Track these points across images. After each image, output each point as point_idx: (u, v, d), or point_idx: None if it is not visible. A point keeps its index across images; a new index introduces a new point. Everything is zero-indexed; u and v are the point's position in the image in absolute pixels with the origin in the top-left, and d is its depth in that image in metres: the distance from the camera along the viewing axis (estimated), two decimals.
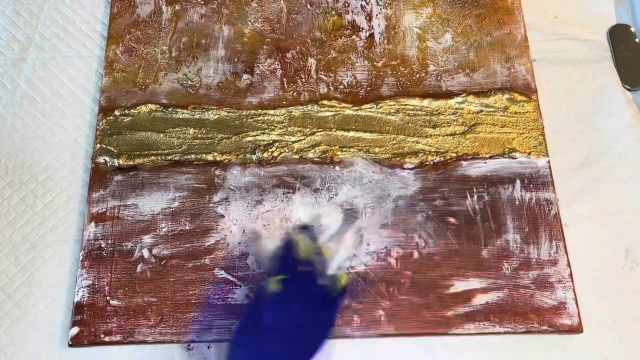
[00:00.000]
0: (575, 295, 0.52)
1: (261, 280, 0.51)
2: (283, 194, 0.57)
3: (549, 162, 0.58)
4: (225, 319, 0.52)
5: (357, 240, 0.54)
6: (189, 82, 0.62)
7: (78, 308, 0.53)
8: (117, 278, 0.54)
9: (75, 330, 0.52)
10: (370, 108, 0.60)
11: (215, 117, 0.60)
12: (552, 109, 0.62)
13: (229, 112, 0.60)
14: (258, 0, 0.66)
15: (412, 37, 0.64)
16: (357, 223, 0.55)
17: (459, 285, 0.53)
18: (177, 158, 0.58)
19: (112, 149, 0.59)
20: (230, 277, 0.54)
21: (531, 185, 0.57)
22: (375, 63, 0.63)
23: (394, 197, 0.57)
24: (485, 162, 0.58)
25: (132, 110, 0.60)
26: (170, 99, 0.61)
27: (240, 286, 0.53)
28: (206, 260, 0.54)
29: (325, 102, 0.60)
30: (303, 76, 0.62)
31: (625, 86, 0.63)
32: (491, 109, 0.60)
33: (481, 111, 0.60)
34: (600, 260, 0.55)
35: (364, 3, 0.66)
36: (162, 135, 0.59)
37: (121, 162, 0.58)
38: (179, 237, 0.55)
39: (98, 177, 0.58)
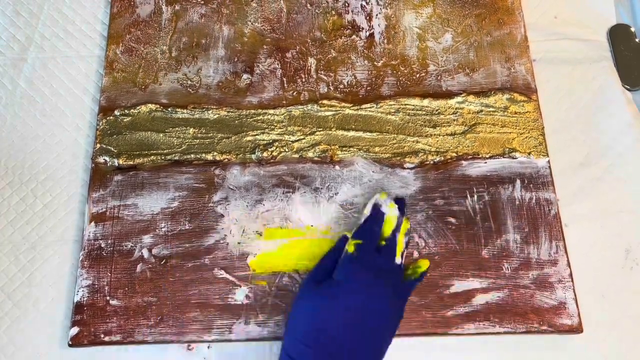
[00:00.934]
0: (575, 295, 0.52)
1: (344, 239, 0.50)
2: (283, 193, 0.57)
3: (549, 162, 0.58)
4: (225, 319, 0.52)
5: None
6: (189, 82, 0.62)
7: (78, 308, 0.53)
8: (117, 278, 0.54)
9: (75, 330, 0.52)
10: (370, 108, 0.60)
11: (215, 116, 0.60)
12: (552, 109, 0.62)
13: (228, 112, 0.60)
14: (258, 0, 0.66)
15: (412, 37, 0.64)
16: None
17: (458, 285, 0.53)
18: (176, 158, 0.58)
19: (112, 149, 0.59)
20: (230, 277, 0.54)
21: (531, 185, 0.57)
22: (375, 63, 0.63)
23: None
24: (486, 162, 0.58)
25: (132, 110, 0.60)
26: (170, 99, 0.61)
27: (240, 286, 0.53)
28: (206, 260, 0.54)
29: (325, 101, 0.60)
30: (303, 76, 0.62)
31: (625, 86, 0.63)
32: (491, 109, 0.60)
33: (481, 111, 0.60)
34: (600, 260, 0.55)
35: (364, 3, 0.66)
36: (162, 135, 0.59)
37: (121, 162, 0.58)
38: (179, 236, 0.55)
39: (98, 177, 0.58)
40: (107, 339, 0.52)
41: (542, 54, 0.64)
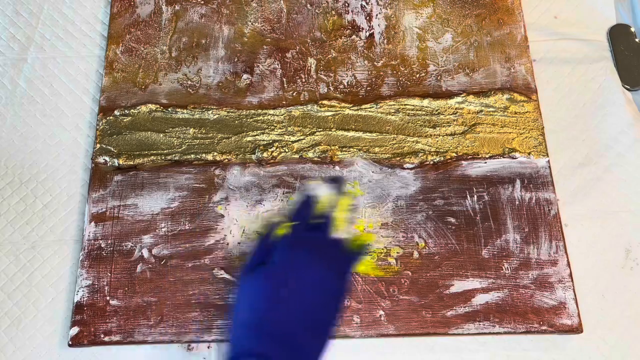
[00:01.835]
0: (575, 295, 0.52)
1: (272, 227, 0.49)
2: (283, 193, 0.57)
3: (548, 162, 0.58)
4: (225, 319, 0.52)
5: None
6: (189, 82, 0.62)
7: (78, 308, 0.53)
8: (117, 278, 0.54)
9: (75, 330, 0.52)
10: (370, 108, 0.60)
11: (215, 117, 0.60)
12: (552, 109, 0.62)
13: (228, 112, 0.60)
14: (258, 0, 0.66)
15: (412, 37, 0.64)
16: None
17: (458, 285, 0.53)
18: (176, 158, 0.58)
19: (112, 149, 0.59)
20: (230, 277, 0.54)
21: (531, 185, 0.57)
22: (375, 63, 0.63)
23: (393, 196, 0.57)
24: (485, 162, 0.58)
25: (132, 110, 0.60)
26: (170, 99, 0.61)
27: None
28: (206, 260, 0.54)
29: (325, 101, 0.60)
30: (303, 76, 0.62)
31: (625, 86, 0.63)
32: (491, 109, 0.60)
33: (481, 111, 0.60)
34: (600, 260, 0.55)
35: (364, 3, 0.66)
36: (162, 135, 0.59)
37: (121, 162, 0.58)
38: (179, 237, 0.55)
39: (98, 177, 0.58)
40: (107, 339, 0.52)
41: (542, 54, 0.64)
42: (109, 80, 0.62)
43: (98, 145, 0.59)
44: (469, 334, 0.52)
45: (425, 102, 0.60)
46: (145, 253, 0.55)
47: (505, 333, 0.52)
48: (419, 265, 0.54)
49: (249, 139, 0.59)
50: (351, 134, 0.59)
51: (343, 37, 0.64)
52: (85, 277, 0.54)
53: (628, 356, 0.52)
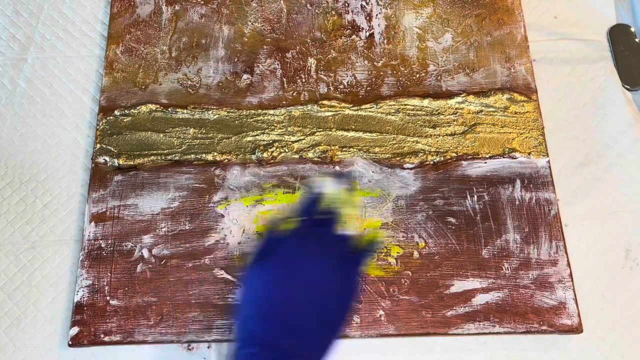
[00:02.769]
0: (575, 295, 0.52)
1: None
2: (283, 193, 0.57)
3: (549, 162, 0.58)
4: (225, 319, 0.52)
5: None
6: (189, 82, 0.62)
7: (78, 308, 0.53)
8: (117, 278, 0.54)
9: (75, 330, 0.52)
10: (370, 108, 0.60)
11: (215, 117, 0.60)
12: (552, 109, 0.62)
13: (228, 112, 0.60)
14: (258, 0, 0.66)
15: (412, 37, 0.64)
16: None
17: (459, 285, 0.53)
18: (177, 158, 0.58)
19: (112, 149, 0.59)
20: (230, 277, 0.54)
21: (531, 185, 0.57)
22: (375, 63, 0.63)
23: (394, 196, 0.57)
24: (485, 162, 0.58)
25: (132, 110, 0.60)
26: (170, 99, 0.61)
27: (241, 286, 0.53)
28: (206, 260, 0.54)
29: (325, 102, 0.60)
30: (303, 76, 0.62)
31: (625, 86, 0.63)
32: (491, 109, 0.60)
33: (481, 111, 0.60)
34: (600, 260, 0.55)
35: (364, 3, 0.66)
36: (162, 135, 0.59)
37: (121, 162, 0.58)
38: (179, 237, 0.55)
39: (98, 177, 0.58)
40: (107, 339, 0.52)
41: (542, 54, 0.64)
42: (109, 80, 0.62)
43: (98, 145, 0.59)
44: (469, 334, 0.52)
45: (426, 102, 0.60)
46: (145, 253, 0.55)
47: (505, 333, 0.52)
48: (419, 265, 0.54)
49: (249, 139, 0.59)
50: (351, 134, 0.59)
51: (343, 37, 0.64)
52: (85, 277, 0.54)
53: (628, 356, 0.52)
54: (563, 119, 0.61)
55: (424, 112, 0.60)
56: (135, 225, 0.56)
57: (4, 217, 0.58)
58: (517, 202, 0.56)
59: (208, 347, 0.53)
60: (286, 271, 0.43)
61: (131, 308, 0.53)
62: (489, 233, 0.55)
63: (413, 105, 0.60)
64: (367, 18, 0.65)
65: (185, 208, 0.56)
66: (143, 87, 0.62)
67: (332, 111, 0.60)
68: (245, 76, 0.62)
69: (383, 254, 0.54)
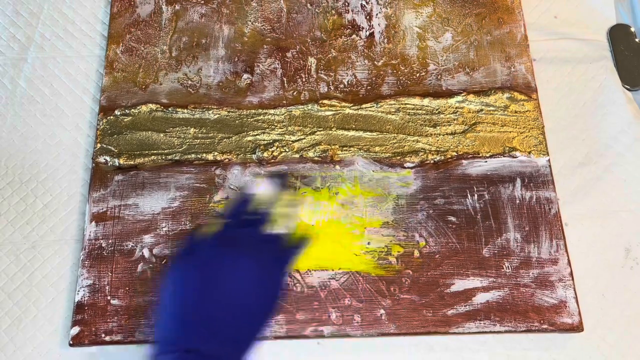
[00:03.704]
0: (575, 294, 0.52)
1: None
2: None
3: (549, 161, 0.58)
4: None
5: None
6: (189, 82, 0.62)
7: (79, 307, 0.53)
8: (118, 278, 0.54)
9: (76, 329, 0.52)
10: (370, 107, 0.60)
11: (216, 116, 0.60)
12: (553, 108, 0.62)
13: (229, 112, 0.60)
14: (258, 0, 0.66)
15: (412, 36, 0.64)
16: None
17: (459, 284, 0.53)
18: (177, 158, 0.58)
19: (113, 149, 0.59)
20: None
21: (531, 184, 0.57)
22: (375, 62, 0.63)
23: (394, 196, 0.57)
24: (486, 161, 0.58)
25: (132, 110, 0.60)
26: (171, 99, 0.61)
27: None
28: None
29: (325, 101, 0.60)
30: (303, 75, 0.62)
31: (625, 86, 0.63)
32: (491, 108, 0.60)
33: (481, 110, 0.60)
34: (600, 259, 0.56)
35: (364, 2, 0.66)
36: (162, 135, 0.59)
37: (122, 161, 0.58)
38: (180, 236, 0.55)
39: (98, 177, 0.58)
40: (108, 338, 0.52)
41: (542, 54, 0.64)
42: (109, 80, 0.62)
43: (98, 145, 0.59)
44: (469, 333, 0.52)
45: (426, 101, 0.60)
46: (146, 253, 0.55)
47: (505, 332, 0.52)
48: (419, 264, 0.54)
49: (249, 138, 0.59)
50: (351, 133, 0.59)
51: (343, 37, 0.64)
52: (86, 276, 0.54)
53: (628, 355, 0.52)
54: (563, 118, 0.61)
55: (424, 111, 0.60)
56: (135, 225, 0.56)
57: (4, 217, 0.58)
58: (517, 201, 0.56)
59: None
60: (205, 273, 0.42)
61: (132, 308, 0.53)
62: (490, 232, 0.55)
63: (413, 105, 0.60)
64: (367, 17, 0.65)
65: (186, 208, 0.56)
66: (143, 86, 0.62)
67: (332, 110, 0.60)
68: (245, 76, 0.62)
69: (384, 253, 0.54)
